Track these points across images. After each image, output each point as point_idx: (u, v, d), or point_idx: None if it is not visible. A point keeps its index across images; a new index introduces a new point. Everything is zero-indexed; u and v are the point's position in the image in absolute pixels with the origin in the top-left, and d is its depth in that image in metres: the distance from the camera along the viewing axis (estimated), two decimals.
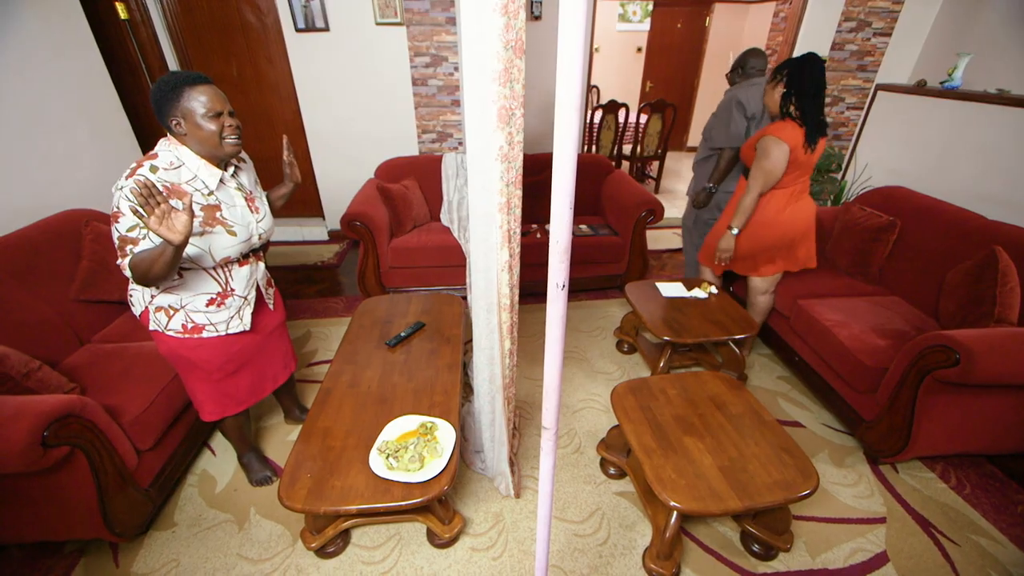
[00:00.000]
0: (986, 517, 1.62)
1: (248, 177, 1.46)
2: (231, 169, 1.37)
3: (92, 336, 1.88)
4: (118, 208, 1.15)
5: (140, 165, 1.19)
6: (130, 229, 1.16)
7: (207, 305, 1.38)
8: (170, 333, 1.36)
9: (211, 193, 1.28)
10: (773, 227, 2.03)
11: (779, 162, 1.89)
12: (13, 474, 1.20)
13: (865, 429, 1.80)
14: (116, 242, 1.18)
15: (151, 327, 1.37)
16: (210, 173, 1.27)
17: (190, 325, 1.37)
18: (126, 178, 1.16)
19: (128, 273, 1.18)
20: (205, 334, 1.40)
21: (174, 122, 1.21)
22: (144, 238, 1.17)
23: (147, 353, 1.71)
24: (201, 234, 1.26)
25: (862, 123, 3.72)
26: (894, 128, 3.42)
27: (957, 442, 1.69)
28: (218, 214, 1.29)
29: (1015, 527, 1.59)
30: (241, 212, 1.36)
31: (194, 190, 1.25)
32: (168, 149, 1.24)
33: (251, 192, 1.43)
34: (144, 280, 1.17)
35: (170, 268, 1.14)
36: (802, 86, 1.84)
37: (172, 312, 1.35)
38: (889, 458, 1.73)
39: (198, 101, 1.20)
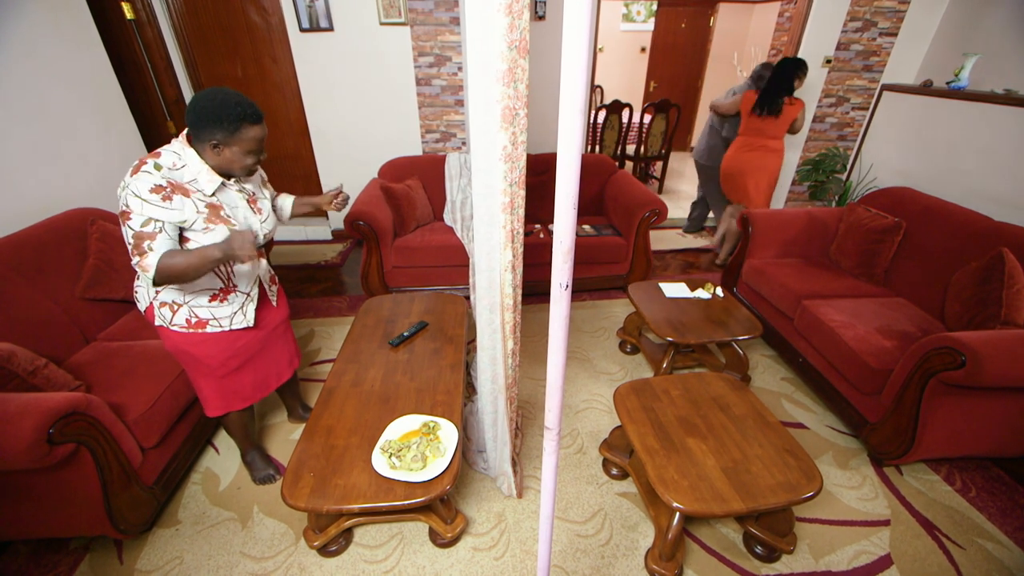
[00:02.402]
0: (992, 521, 1.61)
1: (253, 181, 1.47)
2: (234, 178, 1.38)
3: (97, 334, 1.89)
4: (128, 206, 1.16)
5: (144, 163, 1.19)
6: (144, 224, 1.17)
7: (210, 300, 1.39)
8: (175, 328, 1.38)
9: (212, 195, 1.29)
10: (731, 161, 3.16)
11: (733, 102, 3.17)
12: (19, 471, 1.21)
13: (870, 431, 1.79)
14: (130, 240, 1.17)
15: (156, 322, 1.38)
16: (210, 179, 1.28)
17: (194, 320, 1.39)
18: (131, 175, 1.17)
19: (150, 273, 1.17)
20: (209, 329, 1.41)
21: (214, 143, 1.23)
22: (160, 231, 1.18)
23: (152, 351, 1.72)
24: (204, 230, 1.27)
25: (867, 123, 3.70)
26: (900, 129, 3.40)
27: (963, 445, 1.68)
28: (221, 212, 1.30)
29: (1021, 531, 1.57)
30: (243, 213, 1.38)
31: (195, 190, 1.26)
32: (174, 150, 1.25)
33: (254, 194, 1.44)
34: (169, 280, 1.20)
35: (205, 273, 1.23)
36: (770, 75, 2.95)
37: (176, 307, 1.36)
38: (894, 460, 1.71)
39: (250, 139, 1.25)
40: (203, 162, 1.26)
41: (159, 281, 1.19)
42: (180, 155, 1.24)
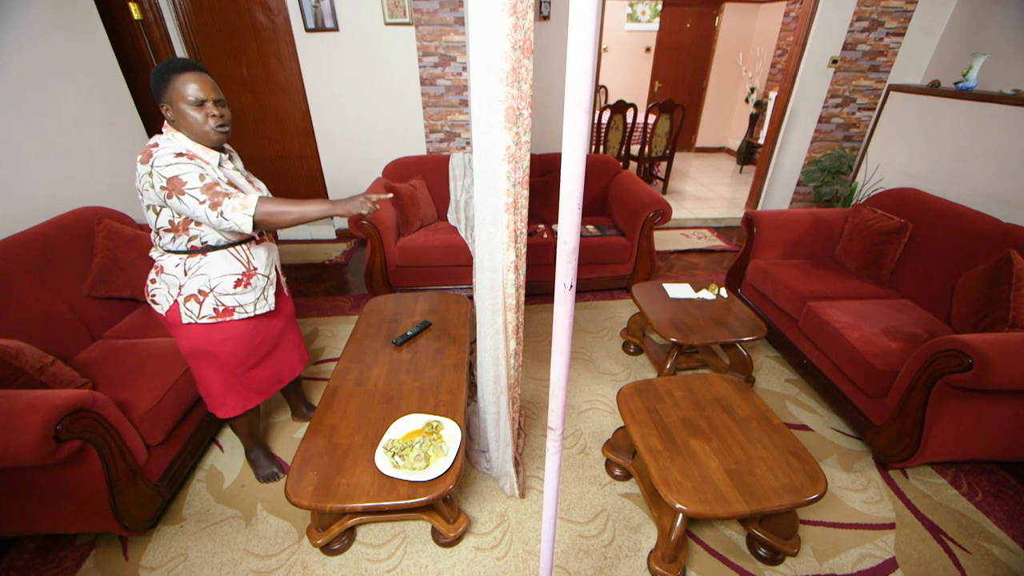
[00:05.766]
0: (998, 525, 1.59)
1: (239, 162, 1.50)
2: (226, 155, 1.41)
3: (104, 332, 1.90)
4: (172, 177, 1.17)
5: (150, 147, 1.22)
6: (201, 178, 1.19)
7: (235, 287, 1.41)
8: (204, 321, 1.39)
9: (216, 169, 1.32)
10: None
11: None
12: (27, 467, 1.22)
13: (875, 434, 1.77)
14: (201, 197, 1.18)
15: (184, 320, 1.38)
16: (209, 156, 1.31)
17: (221, 308, 1.40)
18: (145, 162, 1.20)
19: (250, 210, 1.19)
20: (236, 316, 1.43)
21: (164, 107, 1.24)
22: (222, 181, 1.23)
23: (157, 349, 1.73)
24: (228, 195, 1.24)
25: (873, 124, 3.68)
26: (906, 129, 3.37)
27: (969, 448, 1.66)
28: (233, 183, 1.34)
29: None
30: (247, 189, 1.41)
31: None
32: (167, 138, 1.27)
33: (249, 176, 1.47)
34: (268, 216, 1.23)
35: (296, 223, 1.29)
36: None
37: (203, 297, 1.37)
38: (899, 463, 1.70)
39: (184, 88, 1.22)
40: (193, 142, 1.29)
41: (258, 218, 1.21)
42: (172, 140, 1.27)
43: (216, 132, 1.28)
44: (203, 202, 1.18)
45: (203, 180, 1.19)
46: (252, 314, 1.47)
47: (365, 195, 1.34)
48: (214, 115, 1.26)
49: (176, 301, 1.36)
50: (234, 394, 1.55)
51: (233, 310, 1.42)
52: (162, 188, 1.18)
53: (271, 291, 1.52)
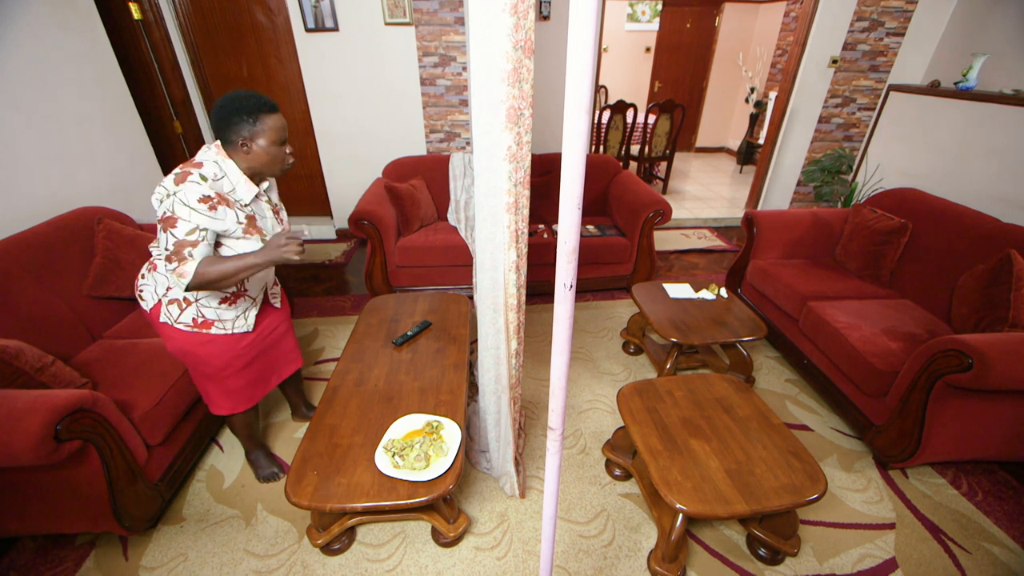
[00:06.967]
0: (998, 525, 1.59)
1: (275, 192, 1.51)
2: (265, 184, 1.42)
3: (104, 332, 1.90)
4: (174, 213, 1.18)
5: (189, 173, 1.22)
6: (189, 233, 1.20)
7: (220, 303, 1.42)
8: (179, 326, 1.39)
9: (247, 205, 1.34)
10: None
11: None
12: (27, 467, 1.22)
13: (875, 434, 1.77)
14: (169, 247, 1.20)
15: (161, 319, 1.40)
16: (248, 188, 1.33)
17: (200, 319, 1.41)
18: (176, 184, 1.19)
19: (187, 279, 1.20)
20: (214, 330, 1.43)
21: (241, 141, 1.26)
22: (203, 240, 1.22)
23: (158, 349, 1.73)
24: (239, 239, 1.31)
25: (873, 124, 3.68)
26: (906, 129, 3.38)
27: (969, 448, 1.66)
28: (256, 222, 1.36)
29: None
30: (271, 224, 1.43)
31: (235, 200, 1.31)
32: (214, 160, 1.28)
33: (276, 205, 1.49)
34: (201, 287, 1.23)
35: (237, 282, 1.28)
36: None
37: (185, 305, 1.38)
38: (899, 463, 1.70)
39: (272, 128, 1.28)
40: (241, 172, 1.30)
41: (192, 287, 1.22)
42: (220, 165, 1.28)
43: (288, 168, 1.38)
44: (167, 251, 1.21)
45: (188, 235, 1.19)
46: (229, 331, 1.47)
47: (288, 238, 1.27)
48: (290, 152, 1.36)
49: (160, 300, 1.38)
50: (222, 394, 1.56)
51: (212, 323, 1.43)
52: (164, 215, 1.20)
53: (253, 313, 1.53)
